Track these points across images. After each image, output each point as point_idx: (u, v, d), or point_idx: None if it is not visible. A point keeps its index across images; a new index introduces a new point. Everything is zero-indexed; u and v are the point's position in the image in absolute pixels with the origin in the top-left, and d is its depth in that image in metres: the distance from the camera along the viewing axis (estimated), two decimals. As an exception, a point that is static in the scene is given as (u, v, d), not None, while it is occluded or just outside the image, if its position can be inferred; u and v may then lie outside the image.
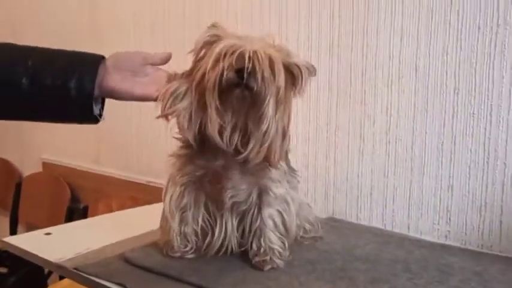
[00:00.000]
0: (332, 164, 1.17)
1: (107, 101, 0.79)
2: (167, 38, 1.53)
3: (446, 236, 1.02)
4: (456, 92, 0.98)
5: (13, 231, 2.19)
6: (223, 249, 0.89)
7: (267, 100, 0.74)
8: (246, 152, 0.77)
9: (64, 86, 0.69)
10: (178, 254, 0.89)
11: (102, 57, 0.74)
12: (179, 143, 0.86)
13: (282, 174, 0.87)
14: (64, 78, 0.69)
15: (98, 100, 0.74)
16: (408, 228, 1.07)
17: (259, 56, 0.72)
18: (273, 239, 0.86)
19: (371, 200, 1.12)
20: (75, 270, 0.85)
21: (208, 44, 0.78)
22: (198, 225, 0.89)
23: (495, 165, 0.95)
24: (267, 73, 0.73)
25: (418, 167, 1.05)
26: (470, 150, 0.98)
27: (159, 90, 0.77)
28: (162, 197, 0.90)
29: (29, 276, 1.85)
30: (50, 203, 2.02)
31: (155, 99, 0.77)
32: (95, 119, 0.74)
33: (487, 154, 0.96)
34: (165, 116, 0.78)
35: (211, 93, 0.74)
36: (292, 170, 0.97)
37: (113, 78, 0.73)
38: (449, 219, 1.02)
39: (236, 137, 0.77)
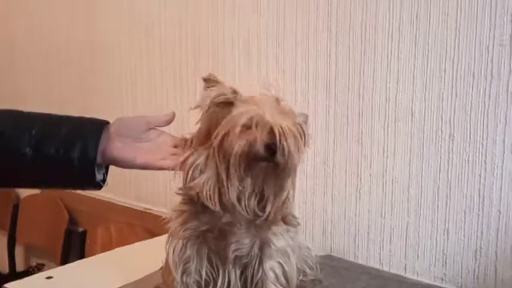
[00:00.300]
0: (330, 201, 1.19)
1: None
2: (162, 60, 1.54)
3: (442, 279, 1.04)
4: (451, 138, 0.99)
5: (11, 252, 2.20)
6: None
7: (290, 173, 0.76)
8: (263, 217, 0.79)
9: (67, 156, 0.70)
10: None
11: (106, 123, 0.75)
12: (180, 198, 0.87)
13: (282, 226, 0.88)
14: (67, 147, 0.70)
15: (101, 166, 0.75)
16: (405, 269, 1.08)
17: (287, 133, 0.73)
18: None
19: (368, 240, 1.13)
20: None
21: (217, 104, 0.78)
22: (200, 277, 0.90)
23: (490, 212, 0.97)
24: (293, 150, 0.74)
25: (414, 209, 1.06)
26: (466, 196, 0.99)
27: (164, 159, 0.77)
28: (165, 249, 0.91)
29: None
30: (47, 225, 2.02)
31: (158, 168, 0.77)
32: (98, 185, 0.75)
33: (482, 200, 0.97)
34: (189, 188, 0.78)
35: (237, 163, 0.74)
36: (293, 216, 0.99)
37: (115, 147, 0.73)
38: (445, 262, 1.03)
39: (253, 203, 0.78)
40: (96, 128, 0.73)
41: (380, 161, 1.09)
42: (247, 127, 0.74)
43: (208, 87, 0.80)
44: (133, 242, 1.67)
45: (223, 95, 0.78)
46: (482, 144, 0.96)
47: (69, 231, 1.91)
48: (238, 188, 0.76)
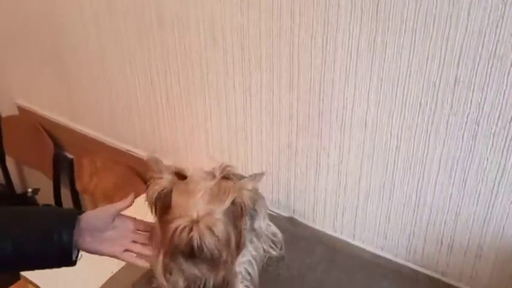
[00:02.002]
0: (293, 176, 1.36)
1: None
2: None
3: (382, 248, 1.28)
4: (398, 149, 1.13)
5: (3, 165, 2.35)
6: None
7: (218, 258, 0.89)
8: None
9: (45, 255, 0.82)
10: None
11: (78, 213, 0.87)
12: None
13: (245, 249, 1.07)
14: (45, 245, 0.81)
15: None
16: (354, 236, 1.32)
17: (205, 236, 0.85)
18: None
19: (325, 211, 1.34)
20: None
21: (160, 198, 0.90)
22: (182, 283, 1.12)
23: (423, 209, 1.16)
24: (213, 246, 0.86)
25: (363, 197, 1.25)
26: (406, 194, 1.17)
27: (128, 249, 0.92)
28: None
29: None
30: (34, 146, 2.13)
31: (123, 260, 0.92)
32: (73, 263, 0.88)
33: (418, 200, 1.16)
34: None
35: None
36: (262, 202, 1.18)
37: (84, 240, 0.86)
38: (386, 237, 1.26)
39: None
40: (69, 221, 0.84)
41: (336, 155, 1.24)
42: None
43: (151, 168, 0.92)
44: (117, 175, 1.85)
45: (163, 189, 0.90)
46: (423, 160, 1.11)
47: (57, 155, 2.05)
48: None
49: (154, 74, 1.55)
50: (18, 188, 2.46)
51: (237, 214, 0.91)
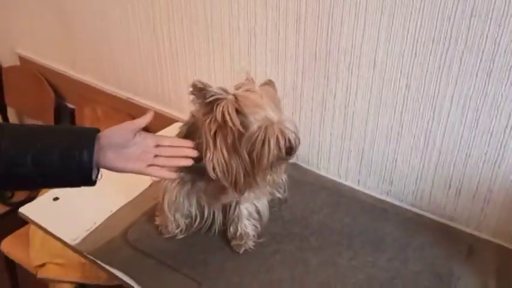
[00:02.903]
0: (297, 120, 1.32)
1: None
2: None
3: (387, 193, 1.25)
4: (407, 88, 1.09)
5: (4, 115, 2.33)
6: (208, 227, 1.12)
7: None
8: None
9: (67, 171, 0.80)
10: (170, 235, 1.12)
11: (97, 131, 0.84)
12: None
13: None
14: (66, 163, 0.79)
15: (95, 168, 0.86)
16: (358, 182, 1.29)
17: (297, 135, 0.89)
18: (247, 224, 1.09)
19: (329, 156, 1.31)
20: (89, 256, 1.08)
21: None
22: (189, 211, 1.10)
23: (432, 151, 1.13)
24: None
25: (370, 139, 1.21)
26: (414, 136, 1.14)
27: (151, 164, 0.89)
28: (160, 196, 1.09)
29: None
30: (35, 97, 2.10)
31: (148, 175, 0.89)
32: (93, 183, 0.87)
33: (426, 141, 1.13)
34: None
35: (264, 167, 0.88)
36: None
37: (107, 157, 0.83)
38: (391, 182, 1.23)
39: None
40: (89, 138, 0.81)
41: (343, 96, 1.20)
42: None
43: (195, 93, 0.88)
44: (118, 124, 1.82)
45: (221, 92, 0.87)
46: (433, 99, 1.07)
47: (58, 106, 2.02)
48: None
49: (157, 19, 1.50)
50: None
51: None
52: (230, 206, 1.09)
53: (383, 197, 1.26)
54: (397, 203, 1.24)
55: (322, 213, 1.20)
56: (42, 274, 1.69)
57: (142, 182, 1.25)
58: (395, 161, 1.20)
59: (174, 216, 1.10)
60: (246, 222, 1.08)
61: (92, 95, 1.90)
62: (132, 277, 1.03)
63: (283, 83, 1.29)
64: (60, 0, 1.78)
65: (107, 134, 0.84)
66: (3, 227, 1.88)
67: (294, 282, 1.01)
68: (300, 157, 1.37)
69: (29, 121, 2.37)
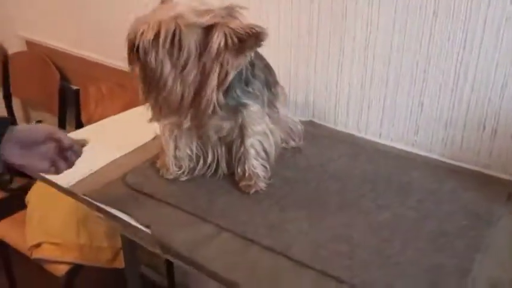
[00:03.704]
0: (313, 71, 1.23)
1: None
2: None
3: (413, 144, 1.14)
4: (435, 15, 1.00)
5: (9, 106, 2.27)
6: (213, 170, 1.01)
7: (158, 70, 0.81)
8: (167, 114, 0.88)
9: None
10: (172, 177, 1.01)
11: (9, 122, 0.78)
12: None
13: (258, 113, 0.94)
14: None
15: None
16: (380, 135, 1.18)
17: (144, 32, 0.80)
18: (256, 165, 0.98)
19: (348, 109, 1.20)
20: (85, 197, 0.97)
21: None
22: (191, 151, 1.00)
23: (463, 87, 1.02)
24: (148, 47, 0.80)
25: (393, 82, 1.11)
26: (443, 72, 1.03)
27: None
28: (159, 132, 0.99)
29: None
30: (40, 82, 2.05)
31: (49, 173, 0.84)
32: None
33: (457, 77, 1.02)
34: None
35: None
36: (280, 89, 1.06)
37: (12, 153, 0.77)
38: (418, 130, 1.12)
39: None
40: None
41: (363, 36, 1.11)
42: None
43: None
44: (124, 101, 1.74)
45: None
46: (464, 23, 0.97)
47: (63, 88, 1.96)
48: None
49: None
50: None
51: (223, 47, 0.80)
52: (234, 145, 0.98)
53: (408, 149, 1.14)
54: (424, 153, 1.12)
55: (340, 161, 1.08)
56: (37, 254, 1.57)
57: (145, 135, 1.16)
58: (422, 105, 1.09)
59: (176, 154, 0.99)
60: (254, 161, 0.97)
61: (97, 73, 1.83)
62: (129, 214, 0.91)
63: (298, 28, 1.20)
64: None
65: (19, 128, 0.79)
66: (2, 213, 1.79)
67: (311, 221, 0.88)
68: (316, 113, 1.27)
69: (34, 112, 2.31)
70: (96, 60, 1.82)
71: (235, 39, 0.79)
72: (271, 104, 1.01)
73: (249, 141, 0.96)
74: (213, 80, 0.82)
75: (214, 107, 0.84)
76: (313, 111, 1.27)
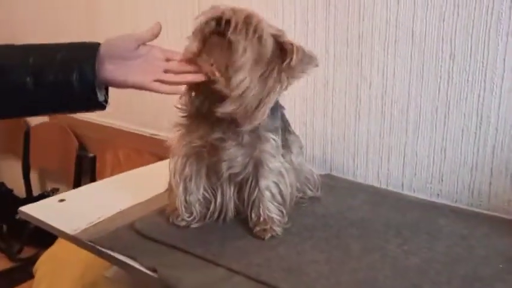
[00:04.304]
0: (329, 123, 1.20)
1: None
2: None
3: (438, 194, 1.08)
4: (452, 58, 0.99)
5: (26, 178, 2.27)
6: (222, 216, 0.96)
7: (241, 49, 0.78)
8: (225, 103, 0.81)
9: (67, 81, 0.71)
10: (183, 223, 0.95)
11: (98, 45, 0.75)
12: (181, 113, 0.90)
13: (276, 149, 0.91)
14: (65, 73, 0.71)
15: (101, 87, 0.76)
16: (402, 186, 1.12)
17: (236, 10, 0.79)
18: (271, 209, 0.92)
19: (367, 159, 1.16)
20: (90, 243, 0.92)
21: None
22: (200, 195, 0.95)
23: (487, 130, 0.98)
24: (241, 24, 0.78)
25: (412, 130, 1.08)
26: (464, 115, 1.00)
27: (158, 79, 0.79)
28: (169, 169, 0.96)
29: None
30: (58, 151, 2.08)
31: (151, 90, 0.79)
32: (101, 106, 0.76)
33: (479, 119, 0.99)
34: None
35: (196, 39, 0.81)
36: (294, 138, 1.03)
37: (106, 69, 0.74)
38: (442, 179, 1.06)
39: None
40: (90, 50, 0.74)
41: (379, 83, 1.10)
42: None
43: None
44: (140, 166, 1.73)
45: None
46: (483, 63, 0.95)
47: (80, 157, 1.97)
48: (208, 65, 0.81)
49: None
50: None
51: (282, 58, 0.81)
52: (247, 185, 0.93)
53: (433, 200, 1.07)
54: (450, 203, 1.05)
55: (362, 209, 1.02)
56: (41, 324, 1.48)
57: (157, 186, 1.12)
58: (444, 151, 1.04)
59: (186, 198, 0.95)
60: (270, 205, 0.92)
61: (116, 139, 1.84)
62: (134, 259, 0.85)
63: (314, 81, 1.20)
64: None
65: (106, 44, 0.76)
66: (9, 283, 1.73)
67: (332, 265, 0.81)
68: (334, 166, 1.23)
69: (50, 183, 2.31)
70: (114, 125, 1.84)
71: (305, 57, 0.82)
72: (284, 144, 0.98)
73: (264, 183, 0.91)
74: (275, 93, 0.82)
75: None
76: (330, 164, 1.23)
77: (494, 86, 0.95)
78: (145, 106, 1.71)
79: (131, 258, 0.86)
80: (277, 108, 0.92)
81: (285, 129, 1.00)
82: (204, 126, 0.89)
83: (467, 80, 0.98)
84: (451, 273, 0.78)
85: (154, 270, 0.82)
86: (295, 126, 1.09)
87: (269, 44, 0.81)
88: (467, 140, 1.01)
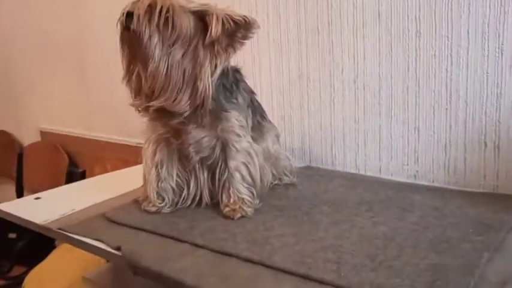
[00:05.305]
0: (306, 114, 1.20)
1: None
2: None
3: (415, 176, 1.06)
4: (418, 35, 0.99)
5: (20, 197, 2.27)
6: (196, 201, 0.94)
7: (146, 38, 0.79)
8: (154, 98, 0.83)
9: None
10: (154, 209, 0.94)
11: None
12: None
13: (241, 128, 0.90)
14: None
15: None
16: (380, 170, 1.11)
17: (140, 1, 0.79)
18: (242, 190, 0.91)
19: (344, 147, 1.16)
20: (59, 231, 0.91)
21: None
22: (173, 181, 0.95)
23: (457, 105, 0.97)
24: (143, 13, 0.78)
25: (385, 112, 1.07)
26: (434, 92, 1.00)
27: None
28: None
29: (37, 239, 1.94)
30: (50, 170, 2.08)
31: None
32: None
33: (449, 94, 0.98)
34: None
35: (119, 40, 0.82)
36: (269, 125, 1.02)
37: None
38: (417, 159, 1.05)
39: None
40: None
41: (351, 68, 1.10)
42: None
43: None
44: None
45: None
46: (448, 37, 0.96)
47: (70, 173, 1.97)
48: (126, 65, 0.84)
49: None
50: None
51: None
52: (218, 168, 0.93)
53: (410, 181, 1.06)
54: (427, 183, 1.03)
55: (336, 191, 1.01)
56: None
57: (135, 184, 1.12)
58: (418, 130, 1.03)
59: (158, 185, 0.94)
60: (240, 186, 0.91)
61: (104, 153, 1.85)
62: (100, 240, 0.84)
63: (289, 73, 1.20)
64: (84, 68, 1.85)
65: None
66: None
67: (299, 237, 0.79)
68: (313, 158, 1.22)
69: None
70: (103, 139, 1.85)
71: (232, 24, 0.80)
72: (258, 131, 0.98)
73: (233, 164, 0.91)
74: (207, 68, 0.81)
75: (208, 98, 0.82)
76: (310, 155, 1.22)
77: (461, 60, 0.95)
78: (129, 116, 1.71)
79: (98, 240, 0.85)
80: (234, 89, 0.91)
81: (258, 113, 1.00)
82: (165, 113, 0.89)
83: (434, 55, 0.98)
84: (418, 238, 0.76)
85: (118, 249, 0.80)
86: (274, 120, 1.10)
87: (185, 22, 0.80)
88: (439, 116, 1.00)
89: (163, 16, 0.79)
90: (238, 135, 0.90)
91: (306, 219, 0.86)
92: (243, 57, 1.28)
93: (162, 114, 0.87)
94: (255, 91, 0.99)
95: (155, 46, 0.79)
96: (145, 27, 0.78)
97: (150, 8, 0.79)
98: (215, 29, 0.79)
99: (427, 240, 0.75)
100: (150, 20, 0.78)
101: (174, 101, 0.82)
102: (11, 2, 2.09)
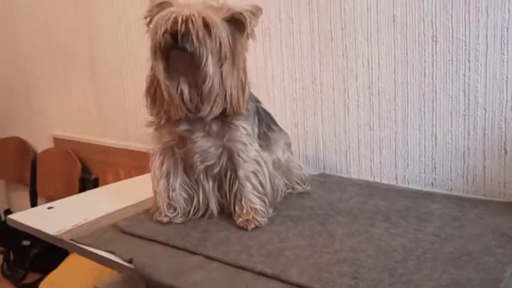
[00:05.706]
0: (320, 121, 1.18)
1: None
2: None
3: (432, 184, 1.03)
4: (434, 40, 0.97)
5: (34, 204, 2.28)
6: (208, 213, 0.93)
7: (204, 60, 0.79)
8: (203, 111, 0.83)
9: None
10: (166, 219, 0.93)
11: None
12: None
13: (247, 136, 0.89)
14: None
15: None
16: (396, 178, 1.08)
17: (193, 19, 0.77)
18: (254, 200, 0.89)
19: (359, 154, 1.13)
20: (71, 242, 0.90)
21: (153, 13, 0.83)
22: (183, 191, 0.93)
23: (476, 111, 0.95)
24: (201, 33, 0.78)
25: (401, 118, 1.05)
26: (451, 98, 0.97)
27: None
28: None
29: (50, 247, 1.95)
30: (63, 176, 2.09)
31: None
32: None
33: (467, 100, 0.95)
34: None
35: (155, 57, 0.81)
36: (278, 134, 1.01)
37: None
38: (435, 167, 1.02)
39: (195, 95, 0.83)
40: None
41: (365, 73, 1.08)
42: (159, 25, 0.79)
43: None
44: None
45: (157, 5, 0.83)
46: (465, 42, 0.93)
47: (83, 179, 1.97)
48: (170, 83, 0.82)
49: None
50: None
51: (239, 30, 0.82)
52: (227, 178, 0.91)
53: (428, 189, 1.03)
54: (445, 192, 1.01)
55: (352, 200, 0.98)
56: None
57: (147, 193, 1.10)
58: (435, 137, 1.01)
59: (168, 195, 0.93)
60: (251, 196, 0.89)
61: (117, 159, 1.85)
62: (113, 252, 0.83)
63: (302, 79, 1.19)
64: (94, 74, 1.85)
65: None
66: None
67: (314, 249, 0.77)
68: (327, 165, 1.20)
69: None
70: (116, 145, 1.85)
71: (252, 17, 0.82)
72: (266, 139, 0.96)
73: (242, 174, 0.89)
74: (243, 73, 0.84)
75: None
76: (324, 163, 1.20)
77: (479, 65, 0.93)
78: (138, 123, 1.71)
79: (110, 252, 0.84)
80: None
81: (265, 122, 0.98)
82: (171, 121, 0.88)
83: (451, 60, 0.96)
84: (438, 250, 0.74)
85: (130, 261, 0.79)
86: (286, 127, 1.08)
87: (224, 33, 0.80)
88: (456, 123, 0.98)
89: (213, 36, 0.79)
90: (245, 144, 0.89)
91: (321, 230, 0.84)
92: (255, 63, 1.27)
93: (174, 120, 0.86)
94: (267, 97, 0.98)
95: (211, 65, 0.79)
96: (203, 49, 0.78)
97: (206, 25, 0.79)
98: (250, 28, 0.80)
99: (447, 252, 0.73)
100: (205, 39, 0.78)
101: (211, 108, 0.83)
102: (26, 12, 2.10)
